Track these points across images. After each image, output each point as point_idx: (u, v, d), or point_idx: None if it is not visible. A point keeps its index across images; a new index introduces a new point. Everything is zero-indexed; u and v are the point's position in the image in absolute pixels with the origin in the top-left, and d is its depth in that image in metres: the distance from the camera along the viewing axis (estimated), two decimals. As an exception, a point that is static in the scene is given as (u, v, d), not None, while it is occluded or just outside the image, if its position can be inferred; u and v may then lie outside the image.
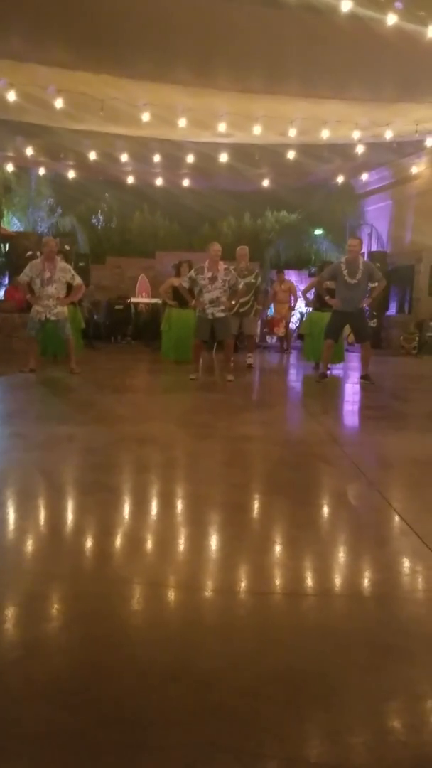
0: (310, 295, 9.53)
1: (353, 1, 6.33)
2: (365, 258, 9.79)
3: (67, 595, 2.24)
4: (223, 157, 12.18)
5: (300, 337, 11.73)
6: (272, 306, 12.86)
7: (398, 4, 6.43)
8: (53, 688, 1.68)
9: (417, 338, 13.00)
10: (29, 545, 2.69)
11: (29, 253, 11.59)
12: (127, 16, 6.97)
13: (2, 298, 12.66)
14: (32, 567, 2.48)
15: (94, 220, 15.97)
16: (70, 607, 2.15)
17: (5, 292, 12.69)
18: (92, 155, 12.55)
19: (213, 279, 7.72)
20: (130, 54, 7.82)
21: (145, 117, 9.74)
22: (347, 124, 10.25)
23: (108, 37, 7.43)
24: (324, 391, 7.75)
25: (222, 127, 10.24)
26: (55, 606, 2.16)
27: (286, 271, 13.51)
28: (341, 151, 12.16)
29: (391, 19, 6.48)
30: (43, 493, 3.42)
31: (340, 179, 14.53)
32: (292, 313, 13.12)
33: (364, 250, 12.95)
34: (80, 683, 1.70)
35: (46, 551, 2.61)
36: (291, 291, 12.71)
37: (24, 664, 1.77)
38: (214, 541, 2.75)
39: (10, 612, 2.10)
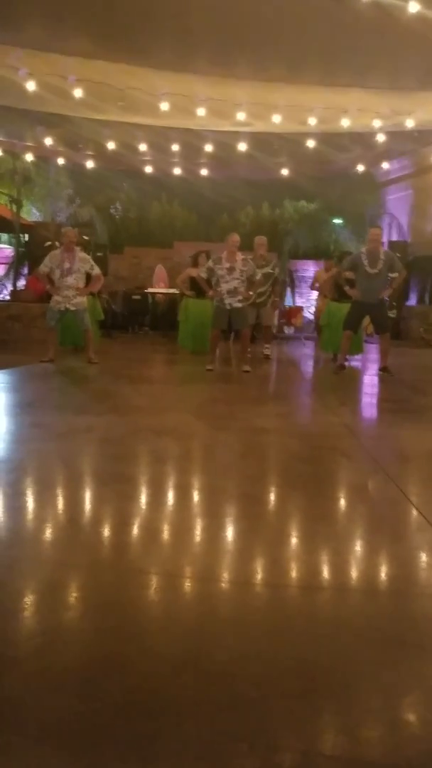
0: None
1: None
2: (385, 248, 9.69)
3: (84, 585, 2.27)
4: (242, 147, 12.09)
5: (318, 328, 11.62)
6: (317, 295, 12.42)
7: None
8: (69, 677, 1.71)
9: (437, 329, 12.87)
10: (47, 535, 2.72)
11: (48, 243, 11.65)
12: (146, 5, 6.94)
13: (23, 288, 12.74)
14: (50, 556, 2.51)
15: (112, 210, 15.95)
16: (86, 597, 2.18)
17: (27, 281, 12.77)
18: (111, 145, 12.53)
19: (231, 269, 7.74)
20: (150, 43, 7.79)
21: (164, 106, 9.71)
22: (368, 113, 10.13)
23: (128, 27, 7.40)
24: (342, 382, 7.71)
25: (241, 116, 10.16)
26: (72, 596, 2.20)
27: (304, 262, 13.33)
28: (362, 140, 12.00)
29: (414, 6, 6.39)
30: (61, 483, 3.47)
31: (361, 168, 14.36)
32: None
33: (384, 239, 12.80)
34: (96, 673, 1.73)
35: (64, 541, 2.64)
36: None
37: (41, 654, 1.81)
38: (229, 533, 2.77)
39: (28, 601, 2.14)
